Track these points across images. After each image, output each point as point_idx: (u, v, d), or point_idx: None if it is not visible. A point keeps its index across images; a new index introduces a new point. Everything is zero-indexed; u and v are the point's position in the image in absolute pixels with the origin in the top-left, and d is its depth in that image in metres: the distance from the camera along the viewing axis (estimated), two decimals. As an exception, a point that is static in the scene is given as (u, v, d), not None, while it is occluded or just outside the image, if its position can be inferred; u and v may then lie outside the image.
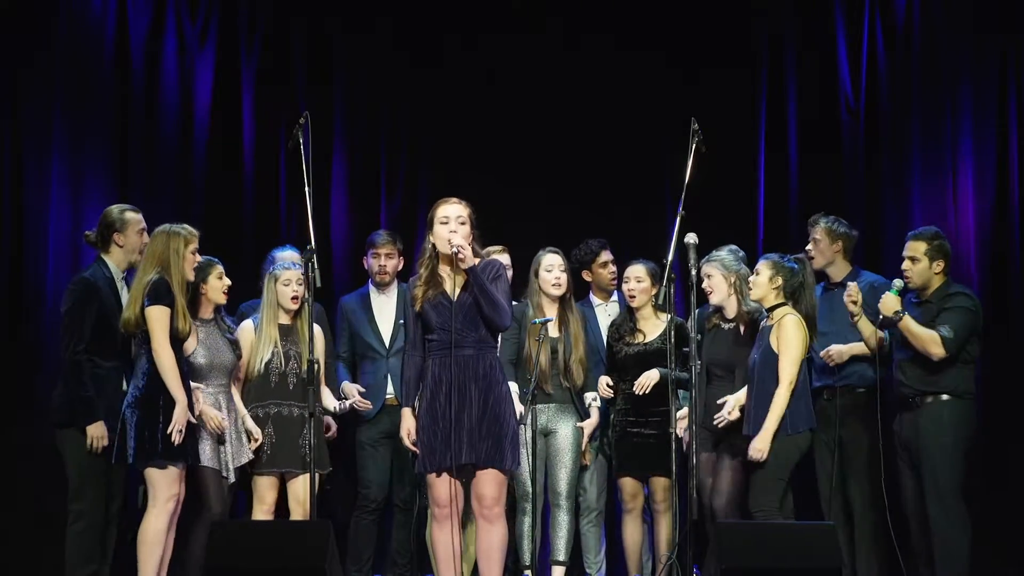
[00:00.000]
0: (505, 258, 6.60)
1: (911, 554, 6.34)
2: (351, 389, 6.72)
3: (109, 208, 6.25)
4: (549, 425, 6.52)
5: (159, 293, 5.72)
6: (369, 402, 6.70)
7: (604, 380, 6.56)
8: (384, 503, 6.83)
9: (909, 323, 6.08)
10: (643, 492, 6.61)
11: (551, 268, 6.55)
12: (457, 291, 5.46)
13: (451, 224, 5.45)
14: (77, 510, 6.02)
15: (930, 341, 6.06)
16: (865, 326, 6.21)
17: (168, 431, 5.68)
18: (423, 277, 5.51)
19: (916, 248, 6.21)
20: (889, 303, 6.10)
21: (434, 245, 5.51)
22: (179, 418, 5.69)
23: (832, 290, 6.59)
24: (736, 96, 7.75)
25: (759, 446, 5.92)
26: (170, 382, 5.70)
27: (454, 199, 5.53)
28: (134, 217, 6.19)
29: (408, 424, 5.51)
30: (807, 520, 6.27)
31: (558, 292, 6.53)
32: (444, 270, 5.51)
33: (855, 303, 6.14)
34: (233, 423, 6.19)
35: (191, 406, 5.82)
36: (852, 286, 6.19)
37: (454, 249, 5.37)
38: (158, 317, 5.71)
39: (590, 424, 6.55)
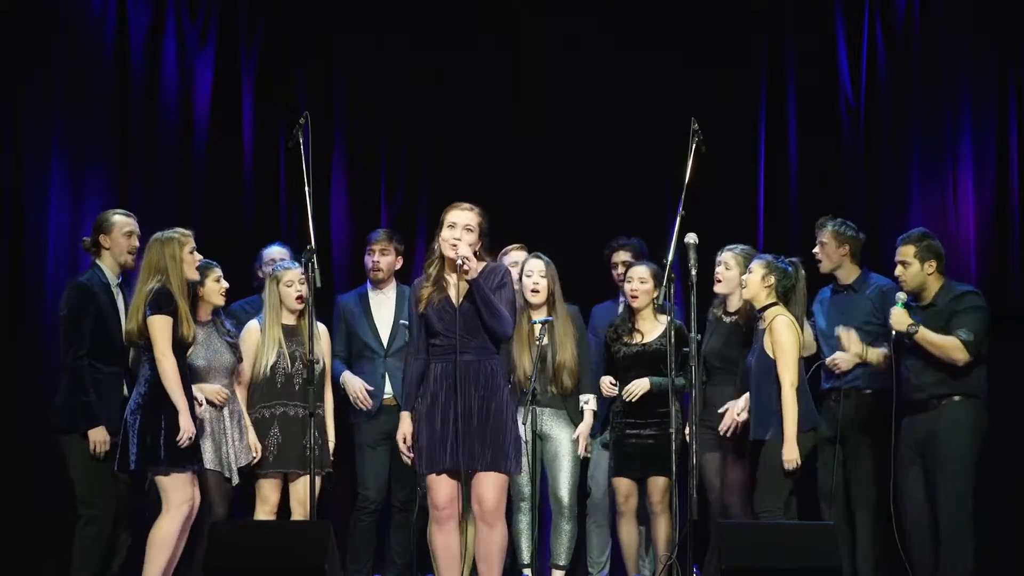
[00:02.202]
0: (522, 255, 6.59)
1: (913, 558, 6.33)
2: (354, 384, 6.70)
3: (102, 212, 6.25)
4: (544, 429, 6.52)
5: (160, 303, 5.71)
6: (371, 401, 6.70)
7: (607, 379, 6.55)
8: (382, 504, 6.82)
9: (926, 334, 6.01)
10: (636, 493, 6.59)
11: (530, 274, 6.52)
12: (461, 298, 5.44)
13: (457, 231, 5.42)
14: (89, 514, 6.01)
15: (952, 348, 6.01)
16: (872, 355, 6.24)
17: (177, 439, 5.67)
18: (430, 278, 5.49)
19: (906, 252, 6.18)
20: (899, 318, 6.04)
21: (441, 248, 5.48)
22: (185, 426, 5.69)
23: (841, 293, 6.58)
24: (736, 96, 7.75)
25: (789, 457, 5.93)
26: (172, 391, 5.69)
27: (465, 205, 5.49)
28: (121, 219, 6.17)
29: (405, 429, 5.50)
30: (807, 520, 6.26)
31: (535, 299, 6.50)
32: (449, 274, 5.49)
33: (857, 354, 6.21)
34: (236, 424, 6.19)
35: (194, 411, 5.82)
36: (844, 335, 6.21)
37: (459, 260, 5.35)
38: (161, 327, 5.70)
39: (583, 427, 6.53)
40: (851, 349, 6.21)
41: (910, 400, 6.18)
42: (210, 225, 7.12)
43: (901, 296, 6.13)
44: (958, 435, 6.06)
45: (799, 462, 5.95)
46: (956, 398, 6.09)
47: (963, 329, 6.03)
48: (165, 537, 5.72)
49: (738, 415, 6.19)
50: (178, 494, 5.73)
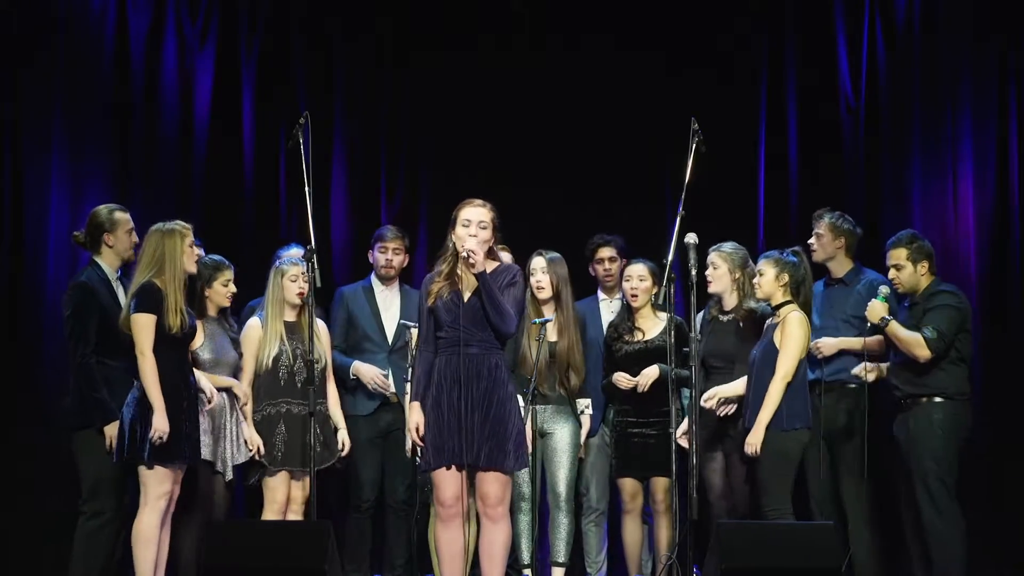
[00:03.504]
0: (507, 256, 6.59)
1: (905, 554, 6.34)
2: (369, 371, 6.66)
3: (97, 209, 6.23)
4: (546, 427, 6.52)
5: (143, 299, 5.71)
6: (389, 383, 6.67)
7: (622, 375, 6.52)
8: (377, 502, 6.81)
9: (895, 328, 6.08)
10: (642, 492, 6.60)
11: (533, 272, 6.54)
12: (469, 292, 5.48)
13: (471, 228, 5.48)
14: (93, 510, 6.01)
15: (914, 344, 6.06)
16: (854, 343, 6.31)
17: (151, 437, 5.67)
18: (443, 274, 5.54)
19: (898, 256, 6.22)
20: (876, 310, 6.11)
21: (455, 244, 5.53)
22: (158, 425, 5.66)
23: (833, 286, 6.59)
24: (736, 96, 7.75)
25: (752, 440, 5.94)
26: (149, 388, 5.68)
27: (479, 201, 5.55)
28: (123, 217, 6.18)
29: (417, 418, 5.49)
30: (805, 520, 6.26)
31: (542, 296, 6.51)
32: (463, 270, 5.53)
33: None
34: (235, 422, 6.21)
35: (192, 404, 5.83)
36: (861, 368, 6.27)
37: (464, 253, 5.40)
38: (142, 324, 5.70)
39: (584, 433, 6.55)
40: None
41: (893, 399, 6.24)
42: (210, 225, 7.12)
43: (884, 289, 6.18)
44: (930, 436, 6.08)
45: (758, 449, 5.91)
46: (934, 399, 6.11)
47: (928, 327, 6.07)
48: (147, 531, 5.72)
49: (706, 401, 6.11)
50: (157, 488, 5.73)
